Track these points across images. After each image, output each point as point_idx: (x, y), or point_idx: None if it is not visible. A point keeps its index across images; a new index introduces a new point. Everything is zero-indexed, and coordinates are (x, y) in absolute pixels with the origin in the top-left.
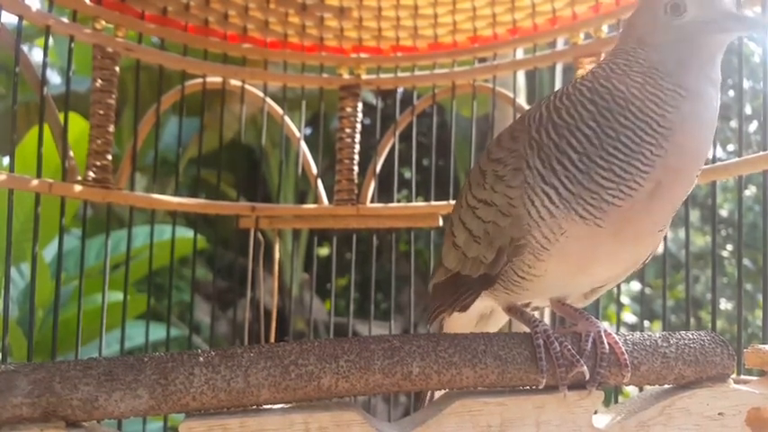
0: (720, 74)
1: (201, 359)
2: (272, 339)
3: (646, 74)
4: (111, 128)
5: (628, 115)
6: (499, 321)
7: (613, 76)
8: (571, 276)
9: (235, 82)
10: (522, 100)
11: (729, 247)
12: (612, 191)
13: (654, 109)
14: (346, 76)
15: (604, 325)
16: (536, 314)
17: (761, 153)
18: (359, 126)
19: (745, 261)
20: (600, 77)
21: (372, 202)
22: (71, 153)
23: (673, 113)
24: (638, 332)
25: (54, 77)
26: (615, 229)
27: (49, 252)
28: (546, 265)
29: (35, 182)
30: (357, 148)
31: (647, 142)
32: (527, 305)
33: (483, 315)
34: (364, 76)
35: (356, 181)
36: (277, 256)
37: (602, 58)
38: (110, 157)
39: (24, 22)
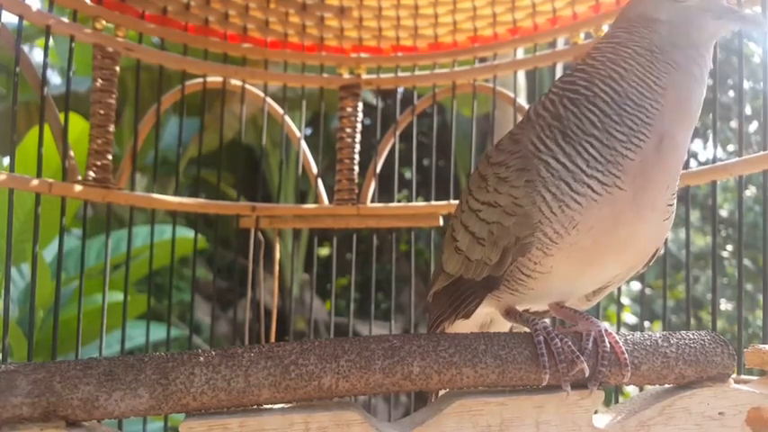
0: (710, 61)
1: (202, 359)
2: (273, 339)
3: (646, 48)
4: (112, 128)
5: (633, 78)
6: (501, 330)
7: (622, 52)
8: (578, 272)
9: (235, 82)
10: (522, 100)
11: (729, 247)
12: (625, 143)
13: (651, 72)
14: (346, 75)
15: (605, 325)
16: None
17: (761, 153)
18: (359, 126)
19: (746, 261)
20: (608, 55)
21: (372, 202)
22: (71, 153)
23: (666, 78)
24: (639, 332)
25: (54, 77)
26: (633, 190)
27: (49, 252)
28: (553, 260)
29: (35, 182)
30: (357, 148)
31: (647, 98)
32: (526, 311)
33: (483, 324)
34: (364, 76)
35: (356, 181)
36: (277, 256)
37: (608, 33)
38: (110, 156)
39: (24, 22)
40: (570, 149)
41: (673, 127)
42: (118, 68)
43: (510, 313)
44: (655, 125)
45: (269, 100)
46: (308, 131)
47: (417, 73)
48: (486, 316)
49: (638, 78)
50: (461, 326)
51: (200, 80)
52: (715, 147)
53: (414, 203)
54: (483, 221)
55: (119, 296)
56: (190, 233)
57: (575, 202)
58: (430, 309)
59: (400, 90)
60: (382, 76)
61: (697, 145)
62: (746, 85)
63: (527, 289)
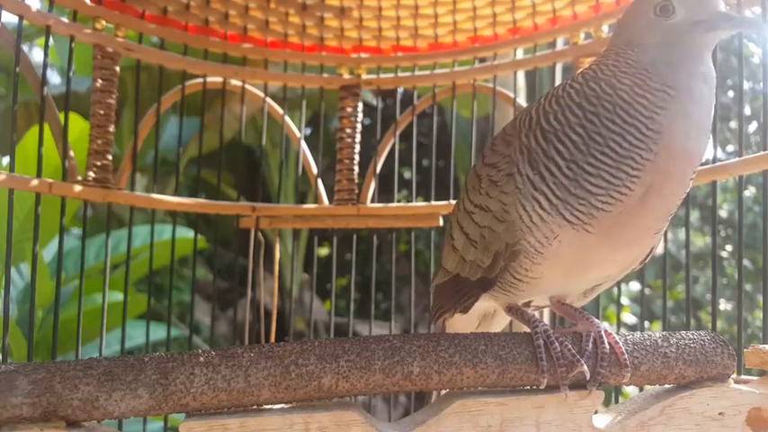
0: (713, 68)
1: (202, 359)
2: (273, 339)
3: (635, 75)
4: (112, 128)
5: (616, 119)
6: (502, 322)
7: (602, 78)
8: (568, 278)
9: (235, 82)
10: (522, 100)
11: (729, 247)
12: (602, 197)
13: (642, 111)
14: (346, 76)
15: (605, 325)
16: (536, 314)
17: (761, 153)
18: (359, 126)
19: (745, 261)
20: (589, 80)
21: (372, 202)
22: (71, 153)
23: (661, 114)
24: (639, 332)
25: (54, 77)
26: (606, 235)
27: (49, 252)
28: (542, 268)
29: (35, 182)
30: (357, 148)
31: (635, 147)
32: (528, 304)
33: (486, 315)
34: (364, 76)
35: (356, 181)
36: (277, 256)
37: (594, 61)
38: (110, 156)
39: (24, 22)
40: (540, 180)
41: (665, 175)
42: (118, 68)
43: (512, 309)
44: (643, 177)
45: (269, 100)
46: (308, 131)
47: (417, 73)
48: (489, 308)
49: (622, 121)
50: (463, 318)
51: (200, 80)
52: (714, 147)
53: (413, 203)
54: (476, 224)
55: (119, 296)
56: (190, 233)
57: (550, 217)
58: (432, 300)
59: (400, 90)
60: (382, 76)
61: None
62: (746, 85)
63: (520, 291)
